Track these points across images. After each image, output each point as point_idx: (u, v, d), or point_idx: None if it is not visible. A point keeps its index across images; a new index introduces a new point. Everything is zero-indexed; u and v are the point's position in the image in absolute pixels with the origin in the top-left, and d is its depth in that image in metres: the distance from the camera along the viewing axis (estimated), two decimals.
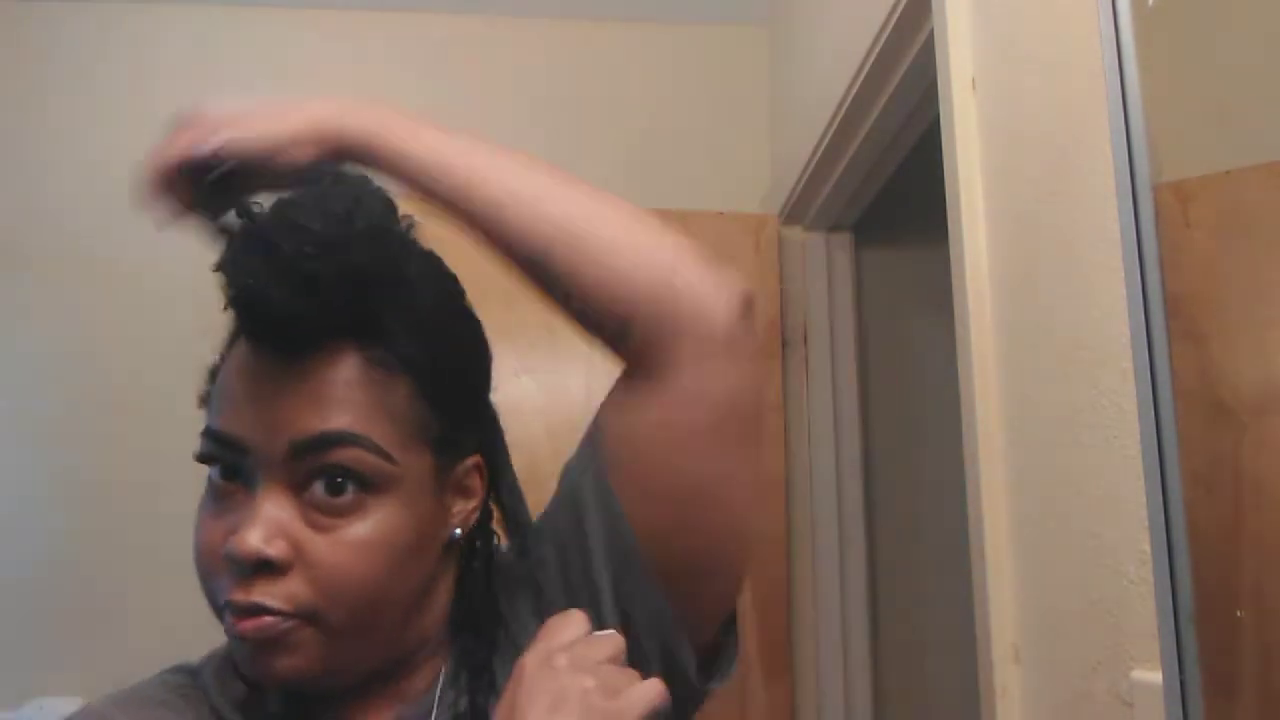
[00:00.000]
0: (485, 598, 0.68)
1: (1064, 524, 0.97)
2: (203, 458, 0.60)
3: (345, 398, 0.58)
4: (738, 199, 2.33)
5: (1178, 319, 0.76)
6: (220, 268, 0.57)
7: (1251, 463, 0.69)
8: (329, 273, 0.55)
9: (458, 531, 0.66)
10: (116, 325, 2.22)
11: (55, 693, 1.99)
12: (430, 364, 0.62)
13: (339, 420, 0.58)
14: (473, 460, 0.67)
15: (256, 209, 0.59)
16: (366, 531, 0.58)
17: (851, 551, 2.11)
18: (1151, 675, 0.79)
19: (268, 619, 0.56)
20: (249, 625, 0.56)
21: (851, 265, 2.25)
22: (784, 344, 2.15)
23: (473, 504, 0.67)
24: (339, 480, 0.58)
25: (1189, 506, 0.74)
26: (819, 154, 1.91)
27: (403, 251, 0.64)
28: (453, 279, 0.69)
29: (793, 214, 2.20)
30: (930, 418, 2.21)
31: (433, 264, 0.68)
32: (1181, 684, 0.73)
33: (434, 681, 0.66)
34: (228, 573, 0.57)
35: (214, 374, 0.64)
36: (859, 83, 1.64)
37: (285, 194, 0.60)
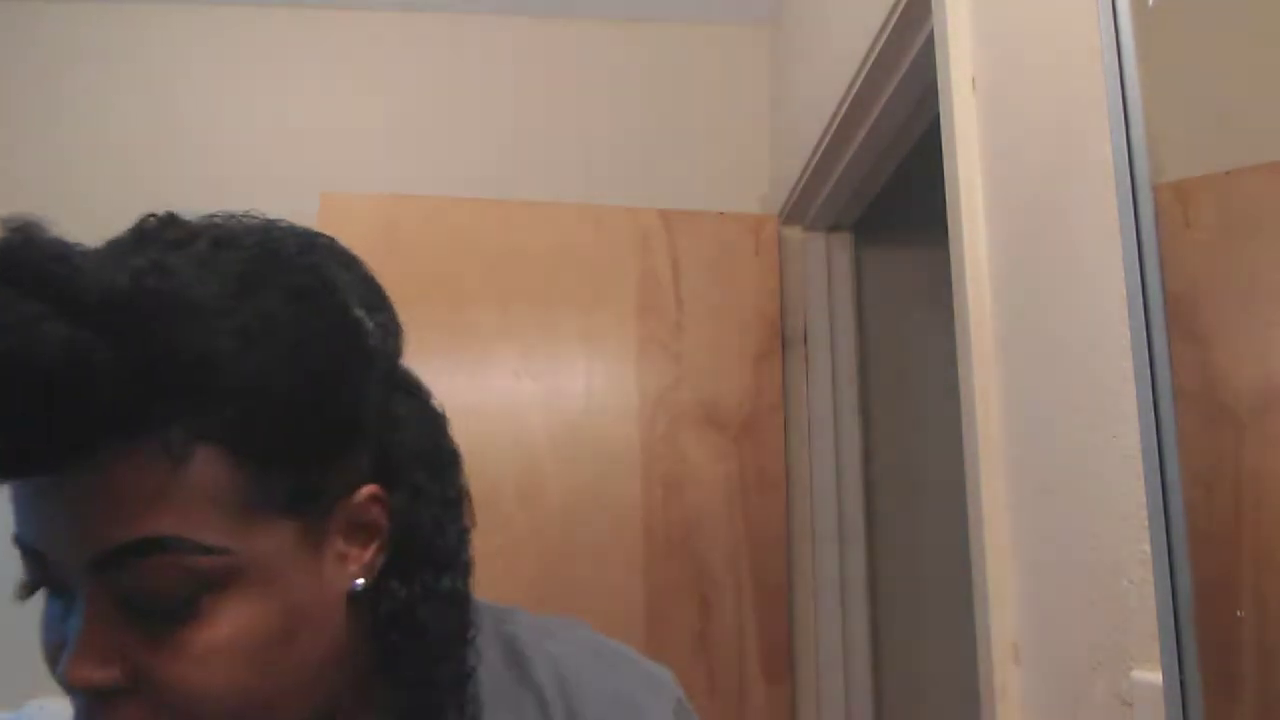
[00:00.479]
0: (415, 644, 0.59)
1: (1064, 524, 0.97)
2: (24, 579, 0.53)
3: (140, 495, 0.47)
4: (738, 199, 2.33)
5: (1178, 319, 0.76)
6: None
7: (1251, 463, 0.69)
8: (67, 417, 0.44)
9: (360, 582, 0.56)
10: None
11: (55, 693, 1.99)
12: (252, 423, 0.50)
13: (137, 527, 0.47)
14: (366, 492, 0.57)
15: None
16: (215, 637, 0.49)
17: (851, 551, 2.11)
18: (1151, 675, 0.79)
19: None
20: None
21: (851, 265, 2.25)
22: (784, 344, 2.15)
23: (376, 543, 0.58)
24: (170, 600, 0.49)
25: (1189, 506, 0.74)
26: (819, 154, 1.91)
27: (202, 309, 0.49)
28: (265, 278, 0.53)
29: (793, 214, 2.20)
30: (930, 418, 2.21)
31: (228, 281, 0.51)
32: (1181, 684, 0.73)
33: None
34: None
35: None
36: (859, 83, 1.64)
37: None
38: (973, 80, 1.21)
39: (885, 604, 2.16)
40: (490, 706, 0.63)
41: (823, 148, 1.89)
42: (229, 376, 0.49)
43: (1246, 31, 0.73)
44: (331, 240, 0.62)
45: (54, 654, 0.52)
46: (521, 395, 2.03)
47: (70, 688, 0.50)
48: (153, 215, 0.59)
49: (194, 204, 2.38)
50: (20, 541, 0.51)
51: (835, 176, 1.95)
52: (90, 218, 2.49)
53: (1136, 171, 0.81)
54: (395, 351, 0.63)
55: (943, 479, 2.12)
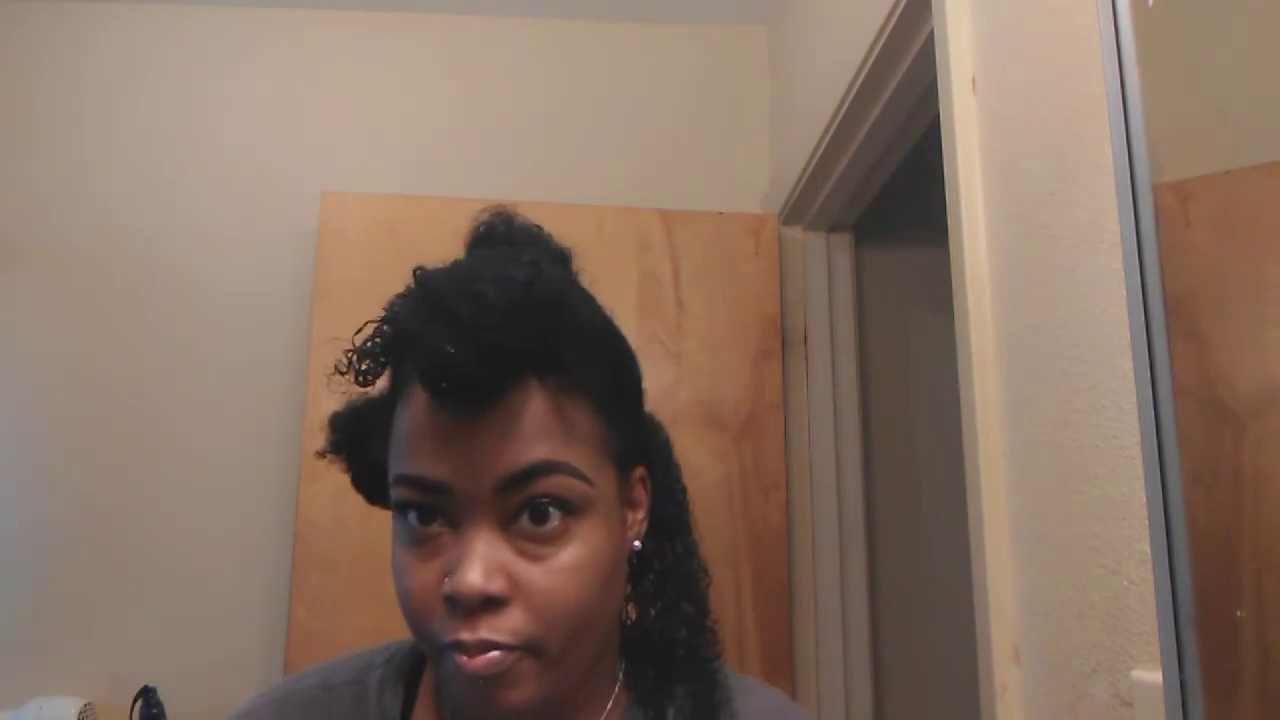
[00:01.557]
0: (659, 617, 0.70)
1: (1064, 524, 0.97)
2: (400, 504, 0.61)
3: (540, 429, 0.59)
4: (738, 199, 2.33)
5: (1178, 319, 0.76)
6: (395, 327, 0.60)
7: (1251, 463, 0.69)
8: (511, 342, 0.57)
9: (637, 544, 0.68)
10: (112, 326, 2.21)
11: (55, 693, 1.99)
12: (605, 382, 0.63)
13: (539, 451, 0.59)
14: (639, 471, 0.68)
15: (432, 271, 0.61)
16: (576, 556, 0.59)
17: (851, 551, 2.11)
18: (1151, 675, 0.79)
19: (496, 654, 0.57)
20: (480, 662, 0.57)
21: (851, 265, 2.25)
22: (784, 344, 2.15)
23: (641, 514, 0.69)
24: (544, 510, 0.59)
25: (1189, 506, 0.74)
26: (819, 154, 1.91)
27: (578, 301, 0.65)
28: (596, 300, 0.70)
29: (793, 214, 2.20)
30: (930, 418, 2.21)
31: (588, 292, 0.69)
32: (1181, 684, 0.73)
33: (604, 714, 0.68)
34: (448, 613, 0.58)
35: (356, 418, 0.68)
36: (859, 83, 1.64)
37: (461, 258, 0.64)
38: (973, 80, 1.21)
39: (885, 604, 2.16)
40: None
41: (823, 148, 1.89)
42: (602, 348, 0.64)
43: (1246, 31, 0.73)
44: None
45: (425, 587, 0.59)
46: None
47: (463, 596, 0.57)
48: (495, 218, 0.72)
49: (195, 203, 2.40)
50: (422, 478, 0.59)
51: (835, 176, 1.95)
52: (90, 216, 2.49)
53: (1136, 171, 0.81)
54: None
55: (943, 479, 2.12)
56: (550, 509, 0.59)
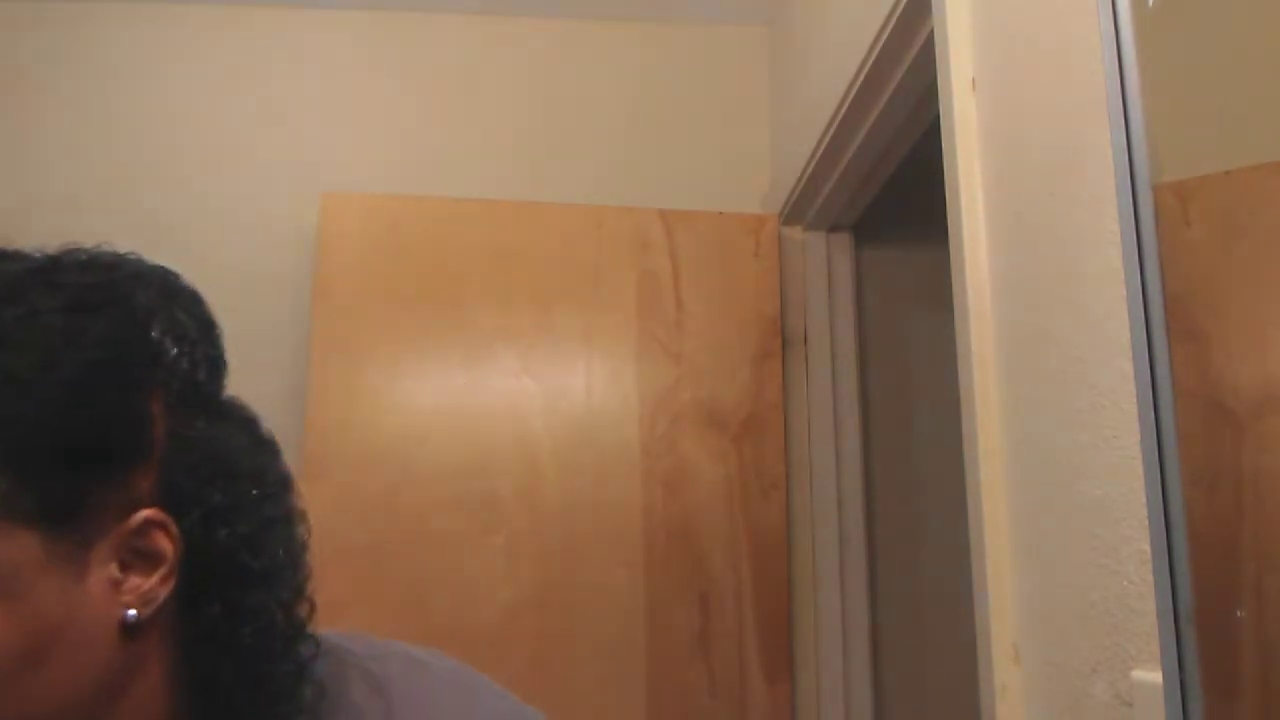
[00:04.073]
0: (227, 663, 0.56)
1: (1064, 524, 0.97)
2: None
3: None
4: (738, 199, 2.33)
5: (1178, 319, 0.76)
6: None
7: (1251, 463, 0.69)
8: None
9: (132, 613, 0.53)
10: None
11: None
12: None
13: None
14: (140, 518, 0.53)
15: None
16: None
17: (851, 551, 2.11)
18: (1151, 675, 0.79)
19: None
20: None
21: (851, 265, 2.25)
22: (784, 344, 2.15)
23: (160, 572, 0.54)
24: None
25: (1189, 506, 0.74)
26: (819, 154, 1.91)
27: None
28: (37, 293, 0.54)
29: (793, 214, 2.20)
30: (930, 418, 2.21)
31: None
32: (1181, 684, 0.73)
33: None
34: None
35: None
36: (859, 83, 1.64)
37: None
38: (973, 80, 1.21)
39: (885, 604, 2.16)
40: None
41: (823, 148, 1.89)
42: None
43: (1246, 31, 0.73)
44: (167, 274, 0.61)
45: None
46: (521, 395, 2.03)
47: None
48: None
49: (195, 203, 2.39)
50: None
51: (835, 176, 1.95)
52: (91, 215, 2.49)
53: (1136, 171, 0.81)
54: (204, 381, 0.61)
55: (943, 479, 2.12)
56: None
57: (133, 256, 0.61)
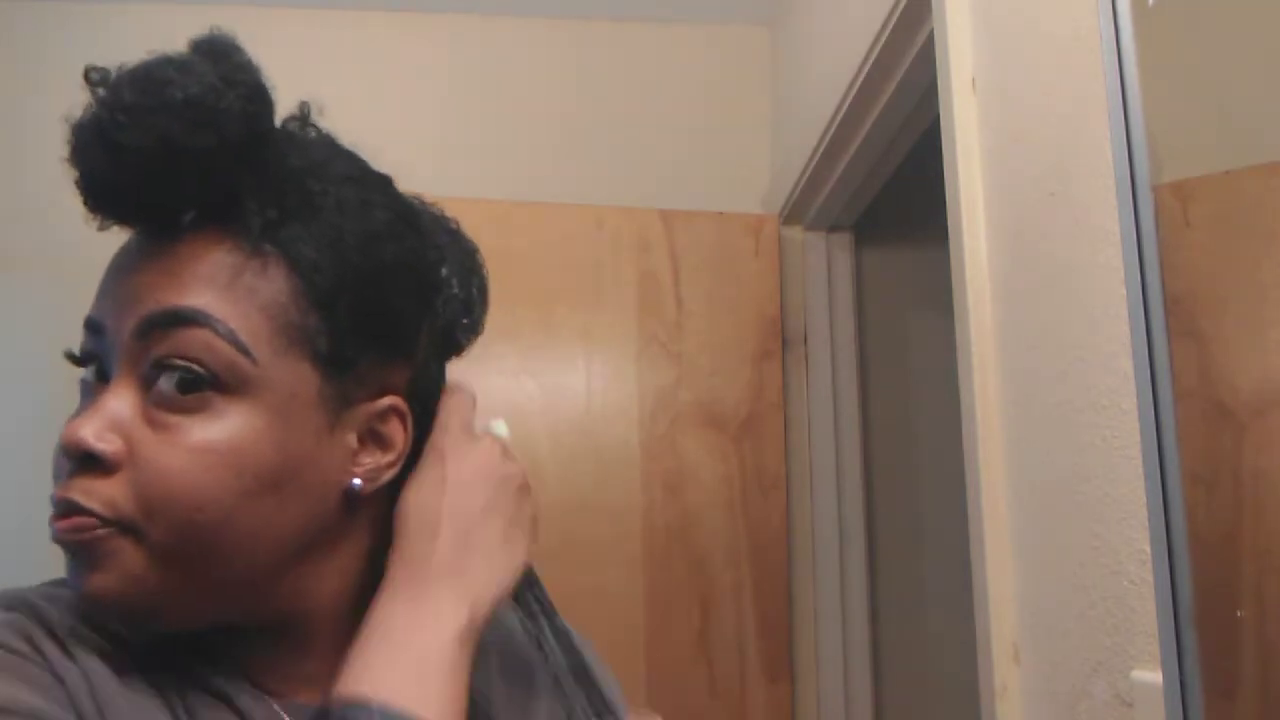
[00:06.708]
0: None
1: (1064, 524, 0.97)
2: (79, 355, 0.55)
3: (208, 277, 0.51)
4: (738, 199, 2.33)
5: (1178, 319, 0.76)
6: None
7: (1251, 463, 0.69)
8: (134, 141, 0.49)
9: (357, 483, 0.56)
10: None
11: None
12: (325, 265, 0.54)
13: (195, 299, 0.51)
14: (388, 401, 0.57)
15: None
16: (209, 436, 0.50)
17: (851, 551, 2.11)
18: (1151, 675, 0.79)
19: (80, 519, 0.49)
20: (62, 524, 0.50)
21: (851, 265, 2.25)
22: (784, 344, 2.15)
23: (388, 458, 0.58)
24: (190, 376, 0.50)
25: (1189, 506, 0.74)
26: (819, 154, 1.91)
27: (277, 136, 0.58)
28: (381, 186, 0.60)
29: (793, 214, 2.20)
30: (930, 418, 2.21)
31: (350, 164, 0.59)
32: (1181, 684, 0.73)
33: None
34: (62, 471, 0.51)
35: None
36: (859, 83, 1.64)
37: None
38: (973, 80, 1.21)
39: (885, 604, 2.16)
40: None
41: (823, 148, 1.89)
42: (329, 216, 0.54)
43: (1246, 31, 0.73)
44: (450, 219, 0.67)
45: (56, 454, 0.52)
46: (521, 395, 2.03)
47: (64, 449, 0.50)
48: None
49: None
50: (88, 318, 0.54)
51: (835, 176, 1.95)
52: (90, 220, 2.45)
53: (1136, 171, 0.81)
54: (467, 318, 0.66)
55: (943, 479, 2.12)
56: (196, 377, 0.50)
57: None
